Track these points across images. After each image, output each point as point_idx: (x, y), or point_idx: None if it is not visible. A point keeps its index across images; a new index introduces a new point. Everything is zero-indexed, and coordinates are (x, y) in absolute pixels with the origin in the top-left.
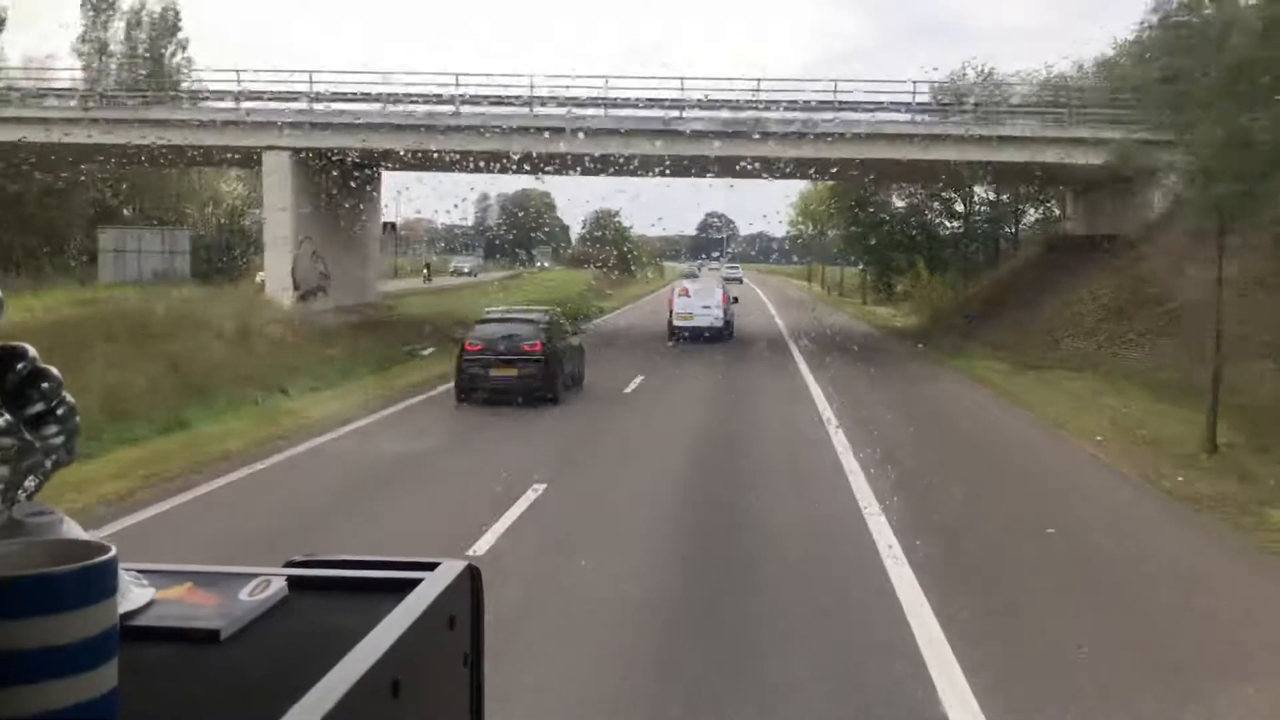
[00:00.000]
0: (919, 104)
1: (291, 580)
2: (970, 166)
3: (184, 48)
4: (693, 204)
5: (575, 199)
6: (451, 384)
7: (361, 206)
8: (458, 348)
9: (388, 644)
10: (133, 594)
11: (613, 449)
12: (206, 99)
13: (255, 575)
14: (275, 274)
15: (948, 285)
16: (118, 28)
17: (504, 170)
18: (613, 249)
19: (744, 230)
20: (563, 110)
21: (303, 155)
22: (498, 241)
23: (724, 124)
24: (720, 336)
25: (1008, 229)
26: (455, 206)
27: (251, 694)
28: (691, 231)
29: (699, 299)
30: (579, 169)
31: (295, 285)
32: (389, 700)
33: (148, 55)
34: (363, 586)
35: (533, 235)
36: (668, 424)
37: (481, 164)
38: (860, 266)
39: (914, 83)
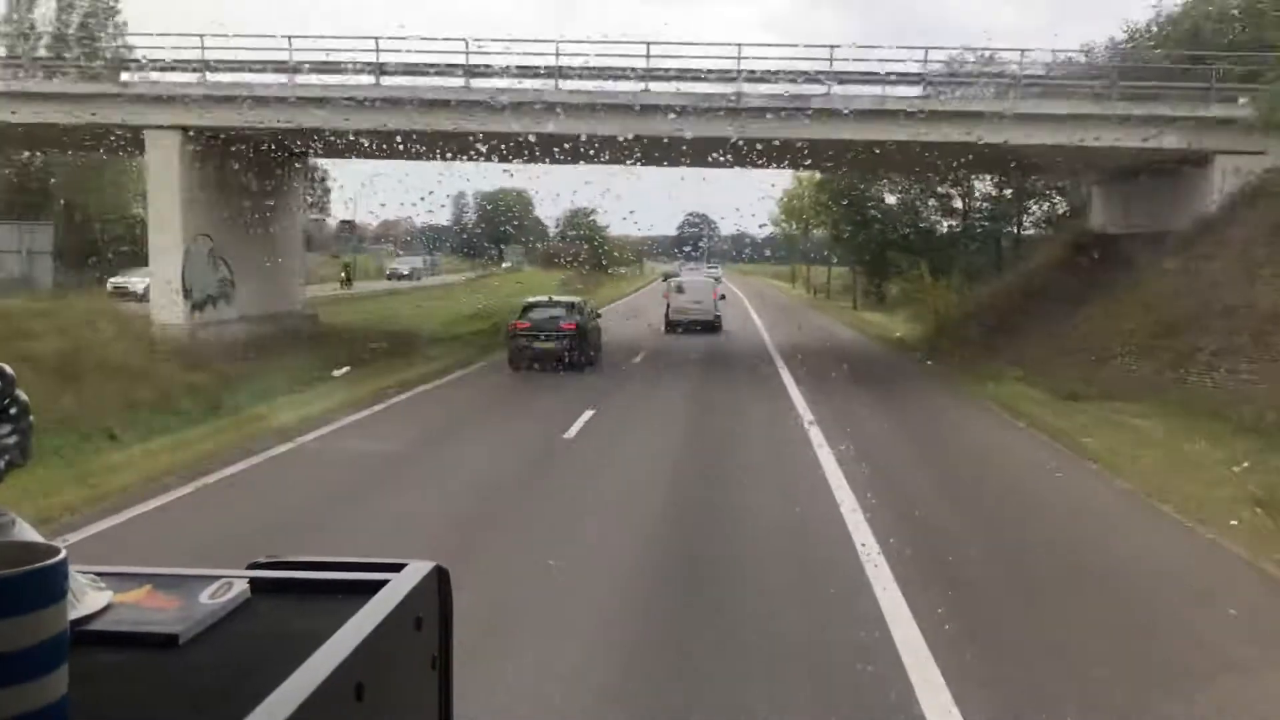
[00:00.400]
0: (933, 76)
1: (254, 582)
2: (989, 151)
3: (122, 33)
4: (673, 203)
5: (558, 198)
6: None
7: (278, 198)
8: (504, 330)
9: (351, 647)
10: (89, 597)
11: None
12: (100, 69)
13: (217, 578)
14: (162, 279)
15: (952, 290)
16: (49, 7)
17: (449, 156)
18: (587, 248)
19: (724, 230)
20: (510, 83)
21: (196, 135)
22: (472, 240)
23: (700, 99)
24: (711, 328)
25: (1010, 227)
26: (422, 199)
27: (209, 699)
28: (671, 231)
29: (692, 295)
30: (538, 154)
31: (186, 292)
32: (352, 704)
33: (82, 37)
34: (327, 588)
35: (510, 235)
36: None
37: (423, 148)
38: (848, 267)
39: (925, 50)
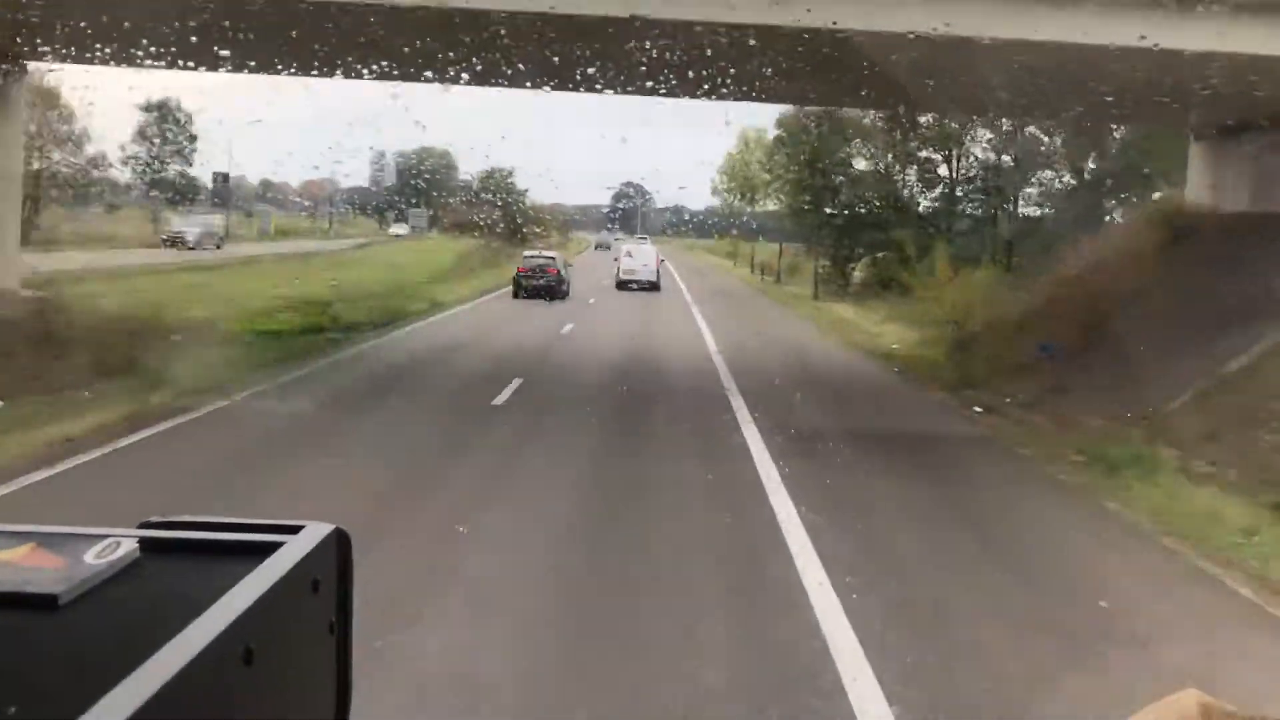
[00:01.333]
0: None
1: (144, 542)
2: (1141, 71)
3: None
4: (607, 172)
5: (486, 158)
6: None
7: None
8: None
9: (241, 609)
10: None
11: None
12: None
13: (105, 537)
14: None
15: (978, 286)
16: None
17: (287, 66)
18: (502, 215)
19: (661, 201)
20: None
21: None
22: (392, 203)
23: None
24: (654, 287)
25: (1009, 203)
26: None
27: (87, 663)
28: (605, 201)
29: (639, 260)
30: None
31: None
32: (241, 668)
33: None
34: (222, 549)
35: (433, 198)
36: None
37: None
38: (805, 245)
39: None
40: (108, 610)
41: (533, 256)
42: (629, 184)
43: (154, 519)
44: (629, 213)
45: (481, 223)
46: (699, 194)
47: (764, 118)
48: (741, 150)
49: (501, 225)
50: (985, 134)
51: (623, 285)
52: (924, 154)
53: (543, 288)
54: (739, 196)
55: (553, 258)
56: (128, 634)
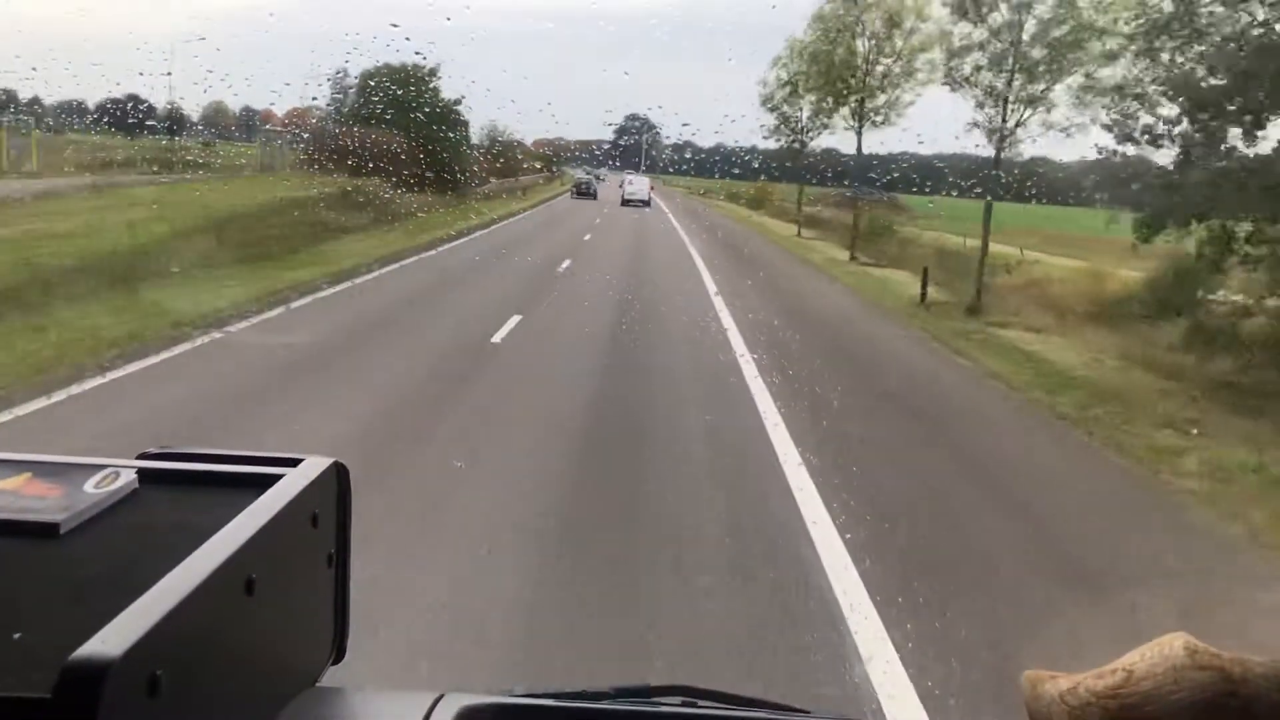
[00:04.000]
0: None
1: (143, 473)
2: None
3: None
4: (615, 106)
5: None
6: None
7: None
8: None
9: (243, 539)
10: None
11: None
12: None
13: (103, 467)
14: None
15: None
16: None
17: None
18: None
19: (672, 137)
20: None
21: None
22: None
23: None
24: (645, 204)
25: None
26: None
27: (90, 590)
28: (608, 137)
29: (636, 187)
30: None
31: None
32: (242, 598)
33: None
34: (220, 481)
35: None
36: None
37: None
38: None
39: None
40: (109, 539)
41: (580, 180)
42: (633, 117)
43: (152, 450)
44: (630, 150)
45: (357, 155)
46: (707, 132)
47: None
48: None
49: (404, 161)
50: None
51: (626, 203)
52: None
53: (585, 193)
54: (821, 104)
55: (591, 175)
56: (129, 562)
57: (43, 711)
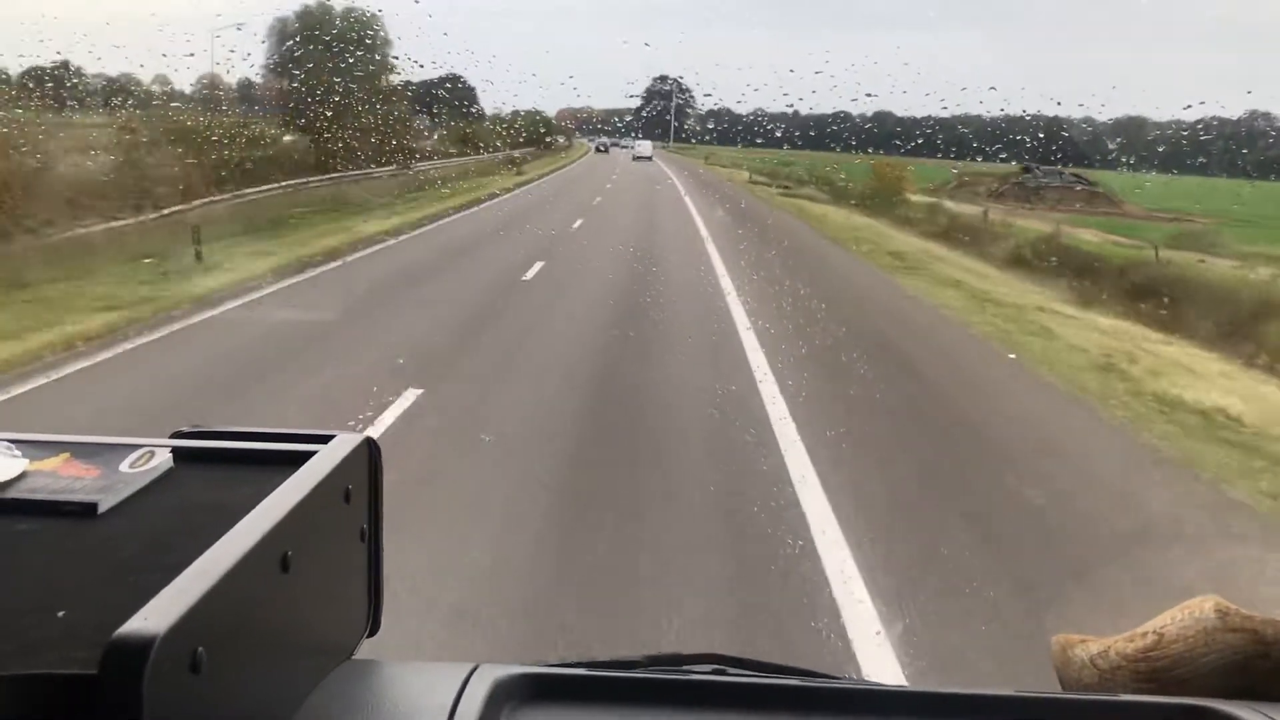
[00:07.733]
0: None
1: (177, 452)
2: None
3: None
4: (639, 77)
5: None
6: None
7: None
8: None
9: (277, 517)
10: (2, 464)
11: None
12: None
13: (138, 446)
14: None
15: None
16: None
17: None
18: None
19: (704, 104)
20: None
21: None
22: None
23: None
24: (650, 160)
25: None
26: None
27: (128, 569)
28: (634, 105)
29: (642, 149)
30: None
31: None
32: (277, 575)
33: None
34: (253, 459)
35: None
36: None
37: None
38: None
39: None
40: (146, 518)
41: (600, 143)
42: (662, 78)
43: (185, 429)
44: (653, 120)
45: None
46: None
47: None
48: None
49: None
50: None
51: (637, 159)
52: None
53: (603, 152)
54: None
55: (607, 135)
56: (167, 541)
57: (89, 688)
